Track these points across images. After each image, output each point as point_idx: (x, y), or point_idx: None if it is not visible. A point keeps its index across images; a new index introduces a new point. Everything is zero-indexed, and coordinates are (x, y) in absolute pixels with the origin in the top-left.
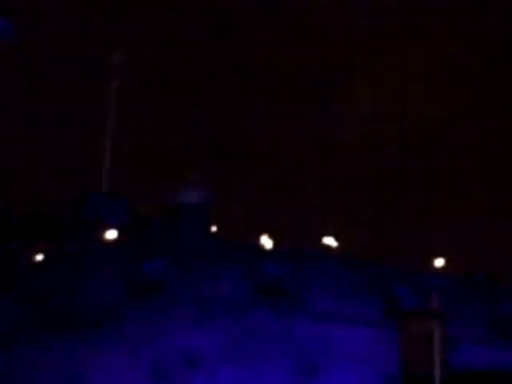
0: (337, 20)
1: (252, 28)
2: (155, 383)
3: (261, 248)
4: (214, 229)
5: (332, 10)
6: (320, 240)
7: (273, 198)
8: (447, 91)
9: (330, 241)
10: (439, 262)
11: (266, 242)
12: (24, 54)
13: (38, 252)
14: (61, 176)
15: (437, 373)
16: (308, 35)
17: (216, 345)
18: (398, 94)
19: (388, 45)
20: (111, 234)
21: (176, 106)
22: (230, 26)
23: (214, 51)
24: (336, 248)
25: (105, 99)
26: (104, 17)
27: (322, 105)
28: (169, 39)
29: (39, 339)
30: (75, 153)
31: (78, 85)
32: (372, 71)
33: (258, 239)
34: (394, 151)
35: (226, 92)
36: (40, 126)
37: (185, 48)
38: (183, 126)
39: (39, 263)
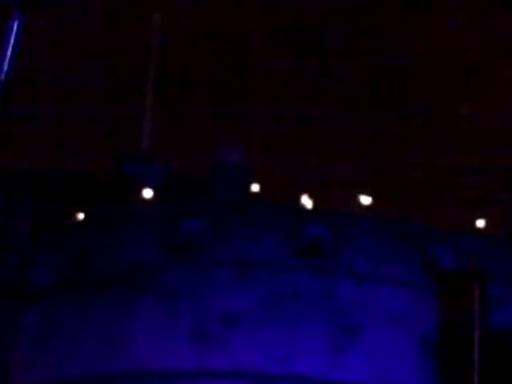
0: None
1: None
2: (193, 343)
3: (301, 208)
4: (255, 189)
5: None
6: (357, 200)
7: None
8: None
9: (366, 200)
10: (480, 223)
11: (306, 202)
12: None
13: (75, 212)
14: (99, 137)
15: (476, 334)
16: None
17: (254, 305)
18: None
19: None
20: (148, 193)
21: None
22: None
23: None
24: (374, 208)
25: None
26: None
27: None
28: None
29: (76, 299)
30: (114, 114)
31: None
32: None
33: (298, 199)
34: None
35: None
36: (80, 87)
37: None
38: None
39: (77, 223)
